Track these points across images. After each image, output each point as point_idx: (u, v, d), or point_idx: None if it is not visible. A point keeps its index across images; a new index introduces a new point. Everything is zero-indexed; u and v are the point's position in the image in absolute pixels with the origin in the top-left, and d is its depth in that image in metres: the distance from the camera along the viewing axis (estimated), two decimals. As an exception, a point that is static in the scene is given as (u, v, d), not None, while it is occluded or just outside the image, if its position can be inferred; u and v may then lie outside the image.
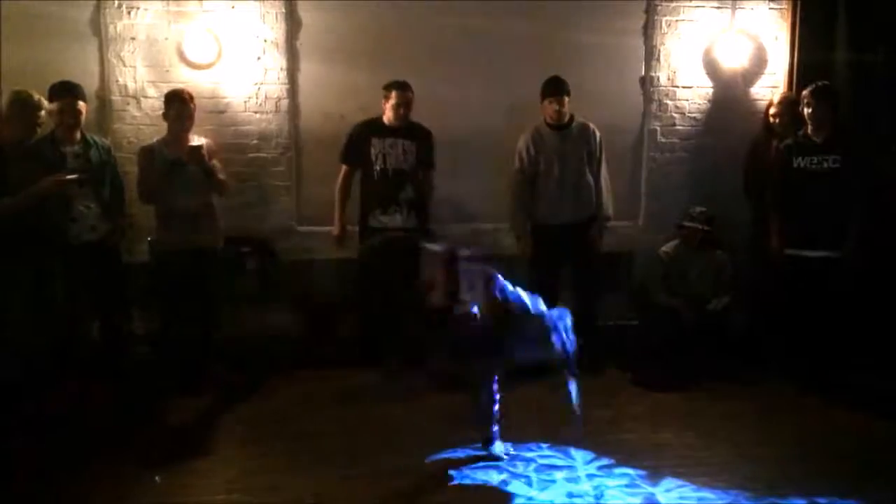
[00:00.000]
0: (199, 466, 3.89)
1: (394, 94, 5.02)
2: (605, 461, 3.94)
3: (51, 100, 4.54)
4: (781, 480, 3.71)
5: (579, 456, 3.99)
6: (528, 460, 3.92)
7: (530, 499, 3.58)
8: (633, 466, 3.85)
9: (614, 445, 4.10)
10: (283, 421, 4.41)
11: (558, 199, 5.16)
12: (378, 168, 5.05)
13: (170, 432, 4.30)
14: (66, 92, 4.59)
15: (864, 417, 4.50)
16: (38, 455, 3.96)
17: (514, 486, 3.67)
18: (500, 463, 3.88)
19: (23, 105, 4.25)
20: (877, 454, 4.05)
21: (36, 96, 4.34)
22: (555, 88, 5.12)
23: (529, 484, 3.69)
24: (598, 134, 5.25)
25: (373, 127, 5.11)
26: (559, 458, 3.97)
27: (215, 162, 4.90)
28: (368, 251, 5.09)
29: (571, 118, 5.21)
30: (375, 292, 5.09)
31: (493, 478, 3.76)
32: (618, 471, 3.84)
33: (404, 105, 5.03)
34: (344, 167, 5.19)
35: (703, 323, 5.07)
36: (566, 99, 5.13)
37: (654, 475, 3.77)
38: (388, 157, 5.05)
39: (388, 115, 5.07)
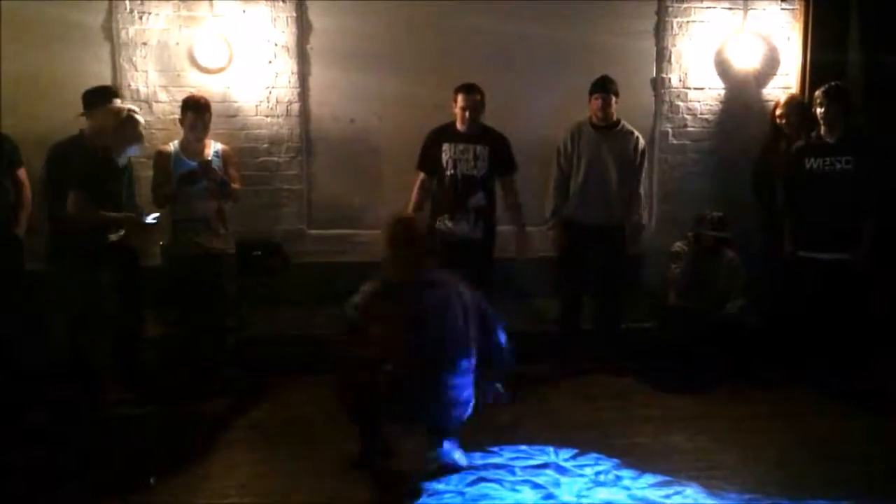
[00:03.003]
0: (211, 469, 3.90)
1: (459, 97, 4.89)
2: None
3: (92, 104, 4.65)
4: (795, 484, 3.69)
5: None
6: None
7: (550, 496, 3.61)
8: (645, 470, 3.84)
9: (627, 448, 4.08)
10: (296, 423, 4.41)
11: (586, 198, 5.14)
12: (448, 174, 4.94)
13: (182, 435, 4.32)
14: (112, 95, 4.72)
15: (880, 420, 4.47)
16: (48, 455, 3.99)
17: (525, 492, 3.65)
18: (498, 465, 3.89)
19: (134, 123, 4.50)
20: (893, 457, 4.02)
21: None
22: (602, 85, 5.10)
23: (539, 486, 3.69)
24: (641, 143, 5.22)
25: (445, 132, 4.99)
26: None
27: (231, 170, 4.93)
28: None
29: (618, 121, 5.20)
30: None
31: (506, 478, 3.76)
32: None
33: (471, 108, 4.88)
34: (421, 174, 5.07)
35: (719, 325, 5.05)
36: (613, 98, 5.09)
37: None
38: (459, 163, 4.93)
39: (457, 120, 4.96)
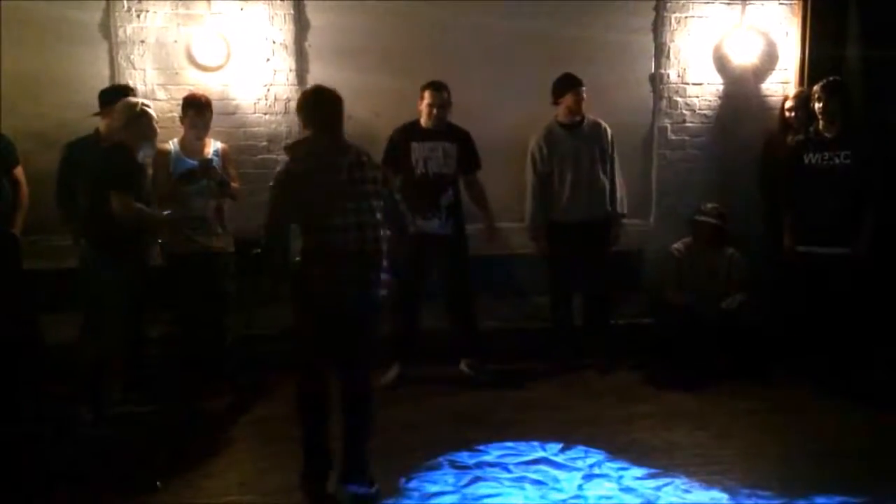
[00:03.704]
0: (212, 467, 3.91)
1: (427, 94, 4.89)
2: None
3: (109, 104, 4.63)
4: (795, 480, 3.70)
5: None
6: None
7: (553, 491, 3.62)
8: (645, 464, 3.87)
9: (626, 445, 4.10)
10: (296, 421, 4.40)
11: (572, 198, 5.14)
12: (419, 172, 4.93)
13: (183, 433, 4.33)
14: (129, 94, 4.71)
15: (880, 416, 4.48)
16: (50, 458, 4.00)
17: (528, 489, 3.66)
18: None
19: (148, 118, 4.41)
20: (893, 453, 4.02)
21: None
22: (575, 81, 5.09)
23: (539, 482, 3.71)
24: (609, 132, 5.23)
25: (411, 131, 4.98)
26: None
27: (231, 169, 4.93)
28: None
29: (583, 117, 5.19)
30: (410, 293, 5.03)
31: (503, 476, 3.78)
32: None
33: (438, 106, 4.87)
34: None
35: (717, 321, 5.05)
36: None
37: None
38: (430, 162, 4.92)
39: (422, 117, 4.96)
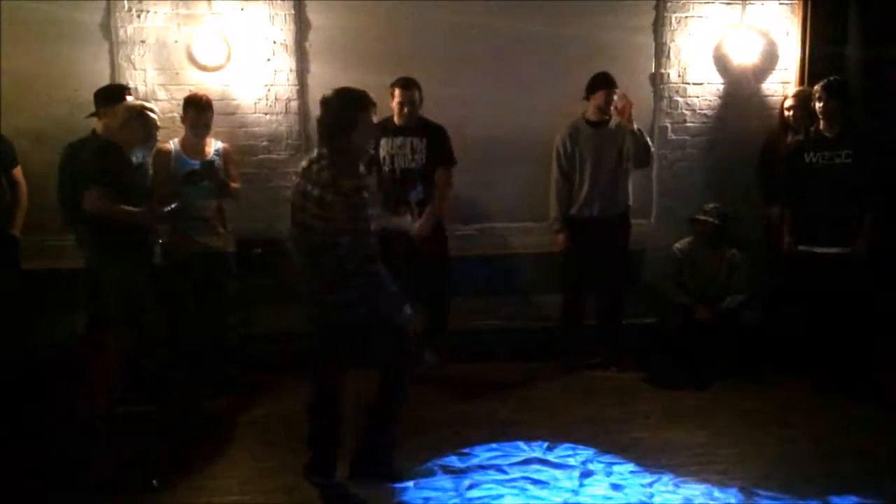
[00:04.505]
0: (213, 468, 3.91)
1: (396, 91, 4.89)
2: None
3: (105, 103, 4.63)
4: (796, 479, 3.70)
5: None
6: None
7: (556, 490, 3.64)
8: (644, 464, 3.87)
9: (627, 444, 4.10)
10: (298, 422, 4.37)
11: (593, 195, 5.12)
12: (387, 169, 4.94)
13: (184, 433, 4.32)
14: (125, 93, 4.72)
15: (881, 415, 4.48)
16: (50, 456, 4.00)
17: (530, 489, 3.67)
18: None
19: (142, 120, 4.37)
20: (893, 451, 4.02)
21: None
22: (608, 80, 5.05)
23: (539, 482, 3.71)
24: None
25: (382, 127, 4.87)
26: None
27: (232, 169, 4.94)
28: None
29: (610, 116, 5.16)
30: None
31: (500, 478, 3.77)
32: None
33: (408, 103, 4.87)
34: None
35: (717, 320, 5.05)
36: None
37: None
38: (397, 158, 4.93)
39: (394, 115, 4.95)
